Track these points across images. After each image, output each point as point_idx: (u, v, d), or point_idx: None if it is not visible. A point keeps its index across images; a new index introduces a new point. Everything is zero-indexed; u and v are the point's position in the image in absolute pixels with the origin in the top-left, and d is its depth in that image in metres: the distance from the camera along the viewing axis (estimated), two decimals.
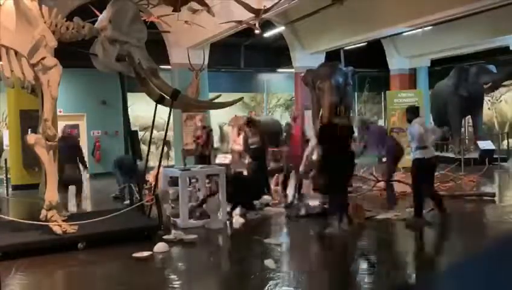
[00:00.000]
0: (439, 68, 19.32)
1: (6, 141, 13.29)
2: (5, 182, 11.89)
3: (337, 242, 6.78)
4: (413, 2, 11.33)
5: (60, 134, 8.74)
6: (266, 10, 8.86)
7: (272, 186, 10.06)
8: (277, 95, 20.18)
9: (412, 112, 7.36)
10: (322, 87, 13.68)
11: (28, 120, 10.68)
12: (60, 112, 14.07)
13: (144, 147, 15.69)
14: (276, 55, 18.46)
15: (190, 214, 7.51)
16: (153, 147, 15.97)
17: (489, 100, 18.18)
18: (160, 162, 7.85)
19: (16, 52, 6.15)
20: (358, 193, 9.61)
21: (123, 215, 6.90)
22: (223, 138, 19.13)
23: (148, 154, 8.47)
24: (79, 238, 6.19)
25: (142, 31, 6.90)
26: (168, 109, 7.52)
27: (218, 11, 9.79)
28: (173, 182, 8.68)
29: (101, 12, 7.07)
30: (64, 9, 9.62)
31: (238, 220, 7.67)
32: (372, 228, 7.05)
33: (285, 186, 9.90)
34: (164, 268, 5.56)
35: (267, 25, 12.99)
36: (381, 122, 21.39)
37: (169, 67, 14.58)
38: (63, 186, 8.36)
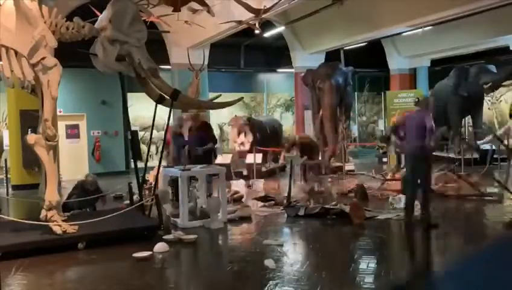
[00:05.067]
0: (439, 68, 19.32)
1: (6, 141, 13.28)
2: (5, 182, 11.89)
3: (337, 242, 6.79)
4: (413, 2, 11.33)
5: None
6: (266, 10, 8.85)
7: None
8: (277, 95, 20.18)
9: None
10: (322, 87, 13.71)
11: (28, 120, 10.68)
12: (60, 112, 14.07)
13: (143, 147, 15.72)
14: (276, 55, 18.45)
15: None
16: (153, 147, 15.98)
17: (489, 100, 18.16)
18: (160, 162, 7.87)
19: (16, 52, 6.15)
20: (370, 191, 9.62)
21: (123, 215, 6.90)
22: (223, 137, 19.13)
23: (148, 154, 8.49)
24: (79, 238, 6.19)
25: (142, 31, 6.89)
26: (168, 109, 7.52)
27: (218, 11, 9.79)
28: (173, 181, 8.70)
29: (101, 12, 7.07)
30: (64, 9, 9.62)
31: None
32: (372, 228, 7.05)
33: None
34: (164, 268, 5.56)
35: (267, 25, 12.99)
36: (381, 123, 21.43)
37: (169, 67, 14.58)
38: None
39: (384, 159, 15.01)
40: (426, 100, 7.70)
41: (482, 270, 0.75)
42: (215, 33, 11.93)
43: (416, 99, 7.60)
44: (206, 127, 10.53)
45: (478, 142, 14.32)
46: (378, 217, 7.60)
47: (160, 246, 6.03)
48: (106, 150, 16.01)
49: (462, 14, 11.39)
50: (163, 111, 7.87)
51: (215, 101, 8.19)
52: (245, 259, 5.73)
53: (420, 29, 13.71)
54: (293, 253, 6.11)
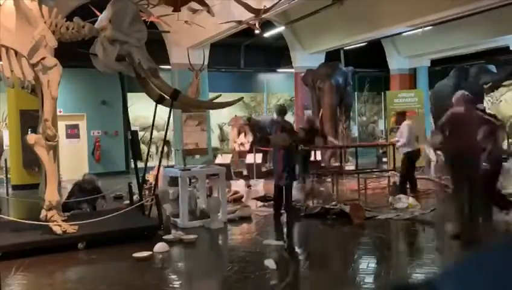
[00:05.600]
0: (439, 68, 19.32)
1: (6, 141, 13.29)
2: (5, 182, 11.89)
3: (337, 242, 6.79)
4: (413, 2, 11.33)
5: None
6: (266, 10, 8.85)
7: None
8: (277, 95, 20.17)
9: None
10: (322, 87, 13.71)
11: (28, 120, 10.68)
12: (60, 112, 14.07)
13: (143, 147, 15.72)
14: (276, 55, 18.45)
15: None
16: (153, 147, 15.98)
17: (489, 100, 18.16)
18: (160, 162, 7.87)
19: (16, 52, 6.15)
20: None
21: (123, 215, 6.90)
22: (223, 137, 19.14)
23: (148, 154, 8.49)
24: (79, 238, 6.19)
25: (142, 31, 6.89)
26: (168, 109, 7.52)
27: (218, 11, 9.78)
28: (173, 181, 8.69)
29: (101, 12, 7.07)
30: (64, 9, 9.62)
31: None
32: (372, 228, 7.04)
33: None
34: (164, 268, 5.56)
35: (267, 25, 12.99)
36: (381, 122, 21.43)
37: (169, 67, 14.57)
38: None
39: (384, 159, 15.00)
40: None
41: (482, 271, 0.75)
42: (215, 33, 11.93)
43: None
44: None
45: None
46: (378, 217, 7.60)
47: (160, 246, 6.03)
48: (106, 150, 16.02)
49: (462, 14, 11.39)
50: (163, 111, 7.87)
51: (215, 101, 8.18)
52: (245, 259, 5.73)
53: (420, 29, 13.71)
54: (293, 253, 6.12)
